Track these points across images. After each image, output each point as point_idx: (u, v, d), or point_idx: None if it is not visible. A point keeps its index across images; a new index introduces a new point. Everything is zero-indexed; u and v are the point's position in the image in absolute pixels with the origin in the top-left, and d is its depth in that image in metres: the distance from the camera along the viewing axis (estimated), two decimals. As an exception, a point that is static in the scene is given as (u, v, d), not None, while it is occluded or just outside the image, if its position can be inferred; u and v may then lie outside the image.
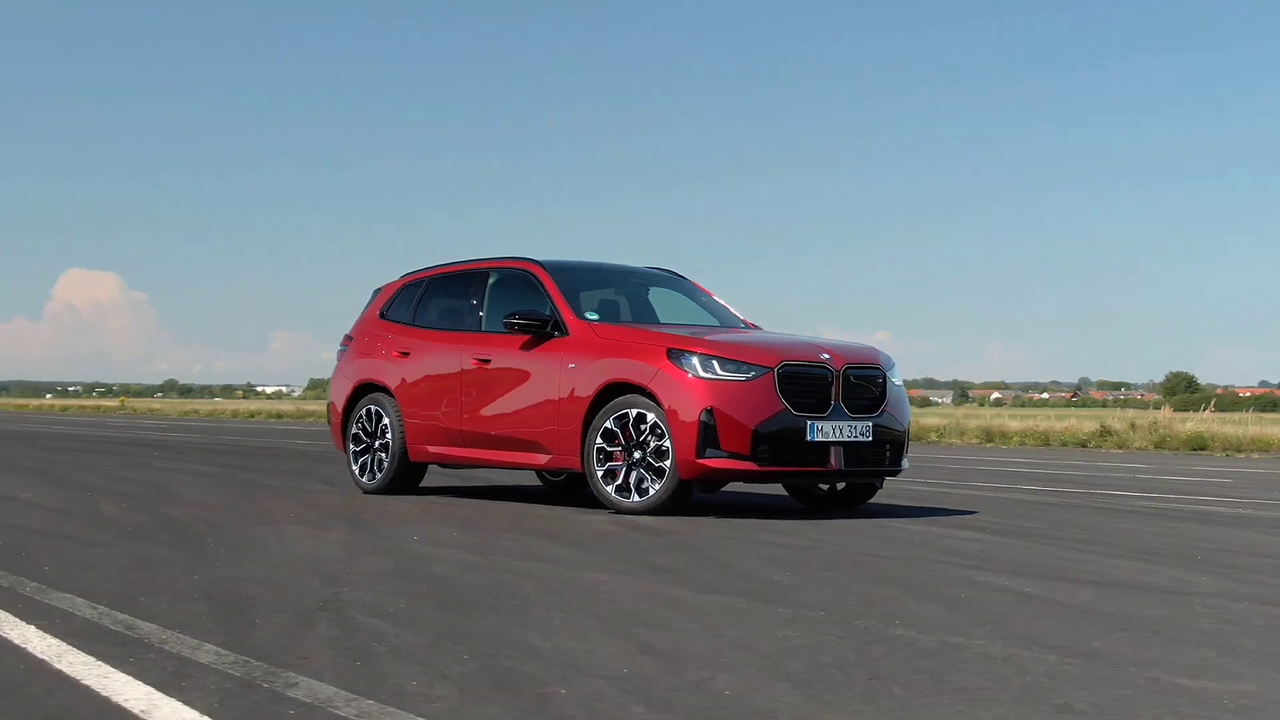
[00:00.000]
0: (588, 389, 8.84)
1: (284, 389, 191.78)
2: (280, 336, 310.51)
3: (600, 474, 8.68)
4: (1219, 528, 8.43)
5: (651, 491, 8.48)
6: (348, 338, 10.97)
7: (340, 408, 10.69)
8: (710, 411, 8.32)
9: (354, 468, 10.47)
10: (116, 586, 5.09)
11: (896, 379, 9.14)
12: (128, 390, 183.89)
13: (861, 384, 8.81)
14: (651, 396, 8.51)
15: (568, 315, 9.25)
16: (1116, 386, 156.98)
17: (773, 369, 8.47)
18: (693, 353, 8.50)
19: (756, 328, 10.22)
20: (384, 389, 10.31)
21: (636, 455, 8.56)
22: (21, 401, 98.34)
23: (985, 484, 12.82)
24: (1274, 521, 9.07)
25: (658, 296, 10.42)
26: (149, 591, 4.97)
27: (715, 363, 8.46)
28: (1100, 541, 7.34)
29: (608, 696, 3.33)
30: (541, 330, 9.28)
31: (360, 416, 10.44)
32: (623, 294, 10.26)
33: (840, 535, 7.45)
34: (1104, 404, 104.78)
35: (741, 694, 3.37)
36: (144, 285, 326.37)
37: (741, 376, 8.43)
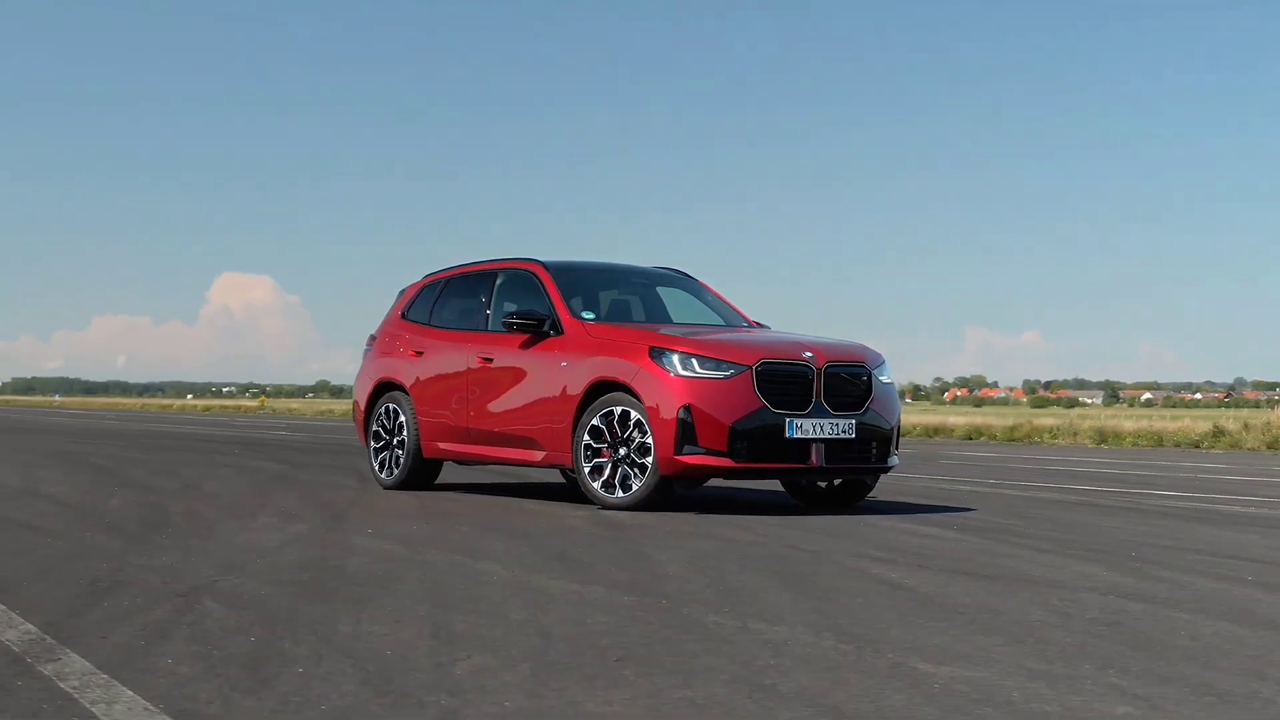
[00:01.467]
0: (578, 387, 9.02)
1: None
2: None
3: (588, 470, 8.85)
4: (1203, 526, 8.33)
5: (634, 487, 8.63)
6: (372, 337, 11.27)
7: (363, 405, 11.01)
8: (688, 409, 8.43)
9: (374, 464, 10.77)
10: (10, 572, 5.38)
11: (885, 377, 9.14)
12: (280, 391, 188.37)
13: (844, 382, 8.83)
14: (635, 394, 8.66)
15: (563, 315, 9.43)
16: (1272, 386, 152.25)
17: (751, 367, 8.55)
18: (673, 351, 8.62)
19: (764, 327, 10.29)
20: (401, 388, 10.60)
21: (621, 452, 8.71)
22: (166, 402, 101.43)
23: (1027, 484, 12.74)
24: (1272, 521, 8.89)
25: (665, 296, 10.55)
26: (39, 577, 5.25)
27: (694, 361, 8.56)
28: (1055, 538, 7.30)
29: (336, 674, 3.49)
30: (538, 329, 9.48)
31: (380, 414, 10.74)
32: (630, 294, 10.43)
33: (794, 531, 7.51)
34: (1257, 404, 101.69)
35: (477, 673, 3.50)
36: (297, 288, 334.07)
37: (720, 374, 8.52)
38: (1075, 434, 29.82)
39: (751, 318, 10.50)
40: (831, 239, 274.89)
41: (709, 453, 8.43)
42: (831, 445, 8.67)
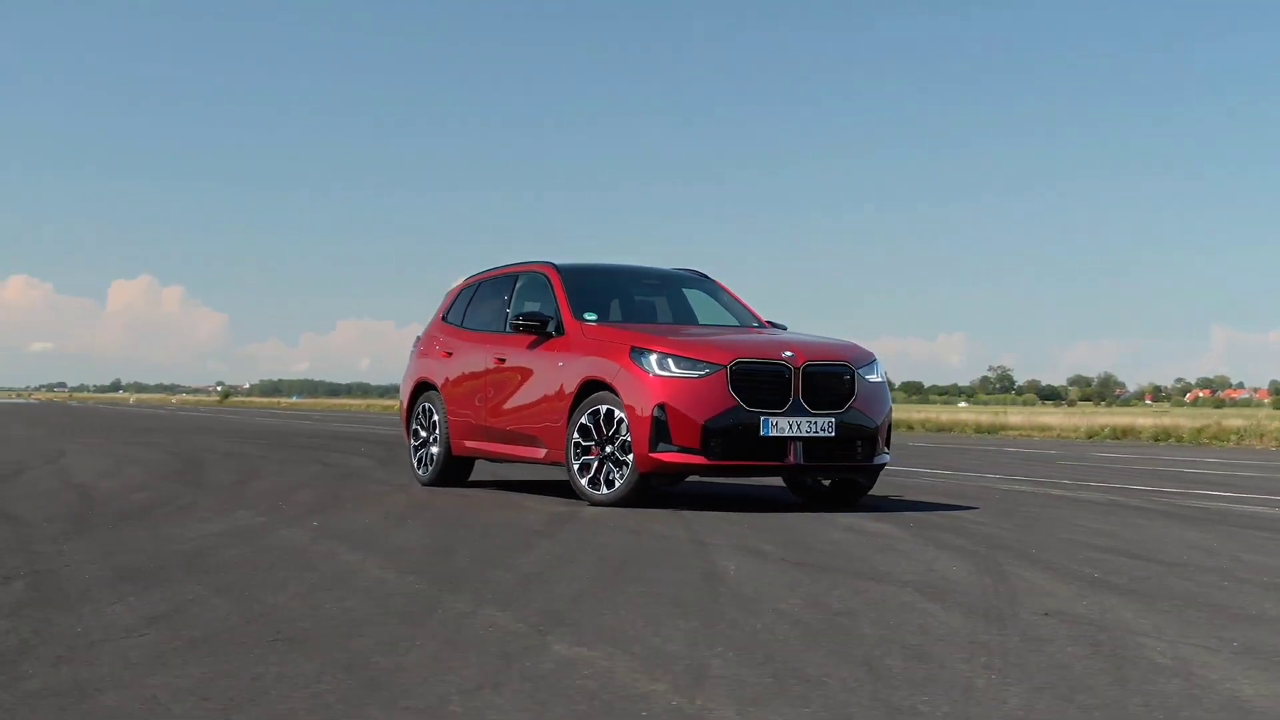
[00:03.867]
0: (571, 386, 9.32)
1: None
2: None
3: (576, 467, 9.12)
4: (1164, 522, 8.21)
5: (617, 484, 8.87)
6: (417, 339, 11.74)
7: (405, 405, 11.49)
8: (662, 407, 8.64)
9: (412, 461, 11.24)
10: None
11: (874, 376, 9.18)
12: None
13: (825, 381, 8.90)
14: (617, 393, 8.91)
15: (566, 316, 9.73)
16: None
17: (725, 366, 8.70)
18: (651, 351, 8.84)
19: (777, 327, 10.40)
20: (435, 388, 11.03)
21: (607, 450, 8.96)
22: (389, 402, 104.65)
23: (1078, 482, 12.54)
24: (1237, 517, 8.69)
25: (681, 297, 10.73)
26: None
27: (670, 360, 8.76)
28: (994, 538, 7.28)
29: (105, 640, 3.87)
30: (542, 330, 9.80)
31: (418, 413, 11.20)
32: (657, 295, 10.66)
33: (737, 527, 7.64)
34: None
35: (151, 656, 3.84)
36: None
37: (695, 374, 8.71)
38: (1261, 436, 29.03)
39: (765, 318, 10.58)
40: (1065, 239, 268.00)
41: (683, 450, 8.61)
42: (811, 443, 8.76)
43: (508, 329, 10.25)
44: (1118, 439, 32.50)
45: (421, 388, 11.25)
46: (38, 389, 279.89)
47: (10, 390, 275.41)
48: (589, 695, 3.29)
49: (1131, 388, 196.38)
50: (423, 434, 11.09)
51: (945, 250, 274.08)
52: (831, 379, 8.92)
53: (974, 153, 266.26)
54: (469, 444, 10.51)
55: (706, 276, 11.14)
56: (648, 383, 8.71)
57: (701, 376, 8.67)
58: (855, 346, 9.35)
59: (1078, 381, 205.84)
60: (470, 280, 11.47)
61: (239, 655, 3.74)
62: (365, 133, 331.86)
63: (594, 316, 9.80)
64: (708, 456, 8.61)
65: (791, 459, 8.73)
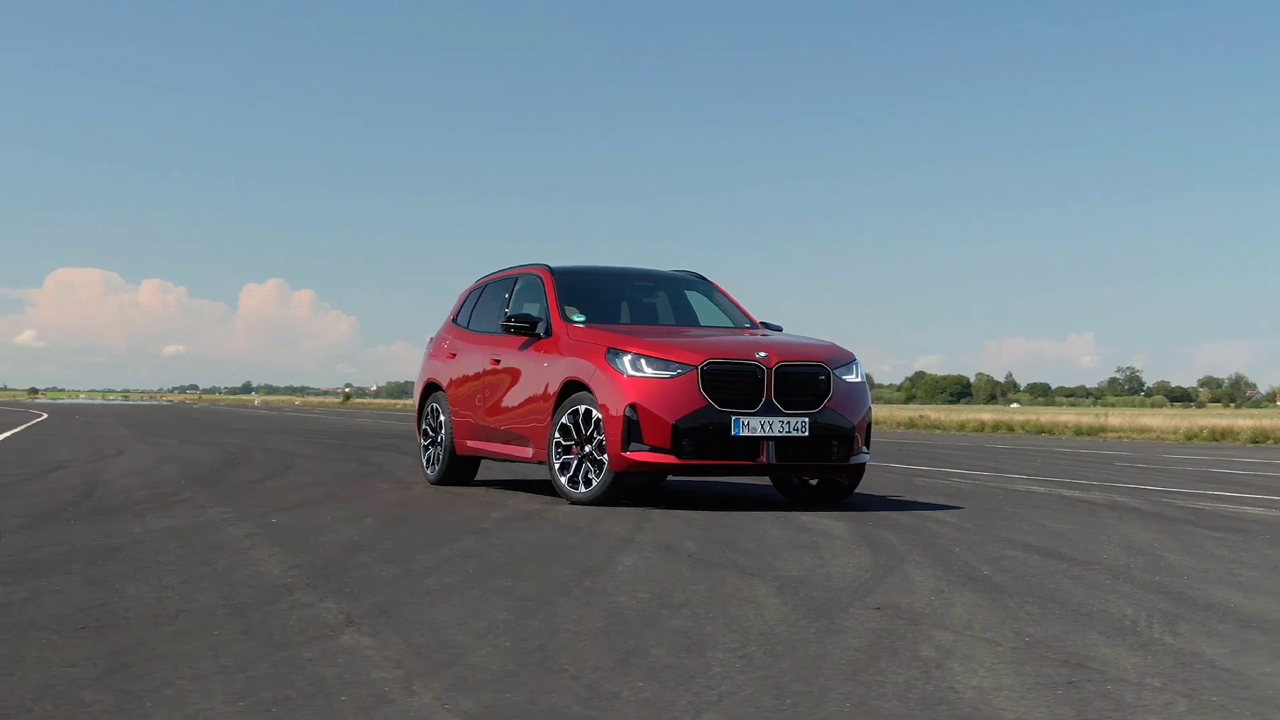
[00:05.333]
0: (554, 387, 9.46)
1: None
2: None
3: (557, 466, 9.26)
4: (1133, 522, 8.15)
5: (593, 482, 8.99)
6: (430, 340, 11.96)
7: (416, 405, 11.71)
8: (634, 407, 8.74)
9: (422, 460, 11.45)
10: None
11: (851, 376, 9.20)
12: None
13: (799, 381, 8.94)
14: (593, 394, 9.03)
15: (554, 318, 9.87)
16: None
17: (696, 367, 8.78)
18: (625, 352, 8.94)
19: (774, 329, 10.44)
20: (441, 388, 11.24)
21: (586, 449, 9.09)
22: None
23: (1114, 483, 12.43)
24: (1216, 517, 8.57)
25: (677, 299, 10.81)
26: None
27: (643, 361, 8.86)
28: (932, 536, 7.30)
29: None
30: (531, 332, 9.96)
31: (427, 413, 11.42)
32: (657, 297, 10.75)
33: (684, 525, 7.72)
34: None
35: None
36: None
37: (666, 374, 8.79)
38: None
39: (758, 319, 10.61)
40: (1199, 238, 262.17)
41: (654, 449, 8.70)
42: (784, 443, 8.80)
43: (499, 330, 10.40)
44: (1215, 441, 32.07)
45: (430, 389, 11.47)
46: (170, 391, 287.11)
47: (144, 392, 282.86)
48: (314, 679, 3.41)
49: (1263, 389, 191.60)
50: (431, 434, 11.28)
51: (1077, 250, 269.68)
52: (805, 379, 8.94)
53: (1107, 152, 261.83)
54: (470, 444, 10.69)
55: (704, 279, 11.20)
56: (621, 383, 8.81)
57: (673, 377, 8.75)
58: (834, 347, 9.37)
59: (1208, 383, 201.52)
60: (479, 283, 11.64)
61: (34, 639, 3.91)
62: (496, 140, 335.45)
63: (581, 318, 9.91)
64: (679, 456, 8.69)
65: (764, 458, 8.78)
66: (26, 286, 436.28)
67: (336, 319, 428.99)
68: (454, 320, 11.63)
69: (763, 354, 8.90)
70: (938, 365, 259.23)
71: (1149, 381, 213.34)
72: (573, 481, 9.10)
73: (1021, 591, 5.24)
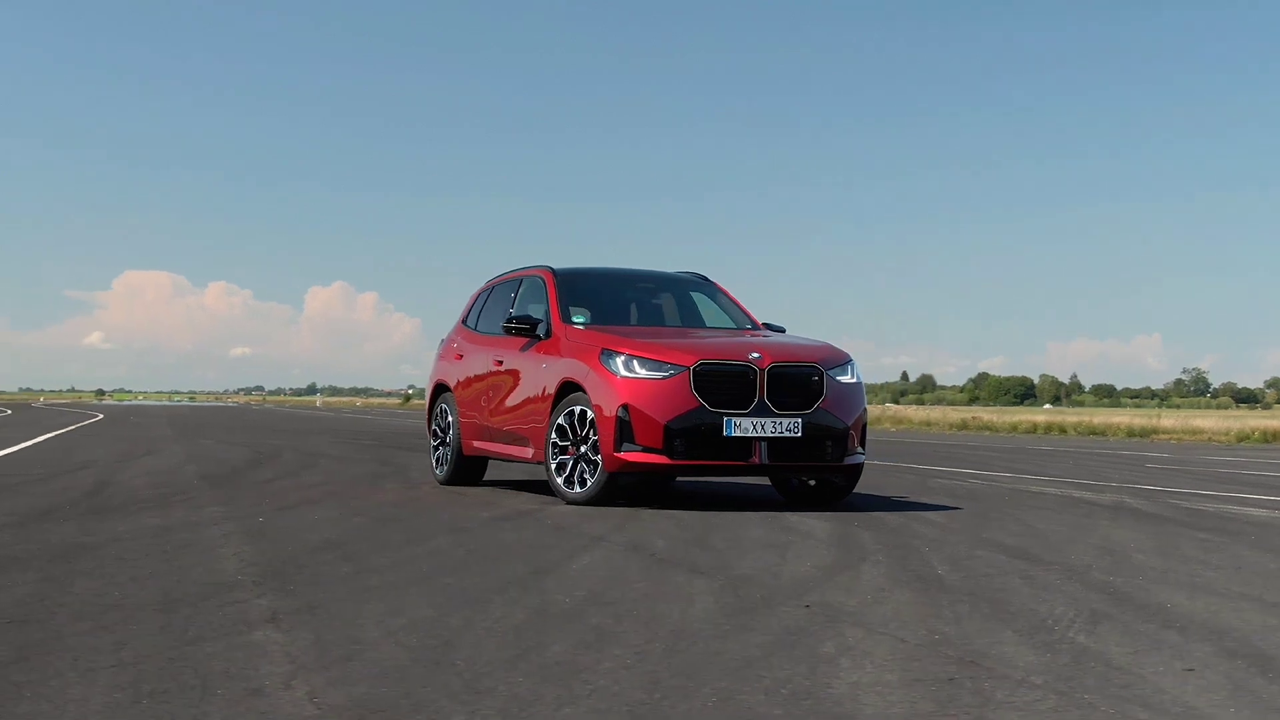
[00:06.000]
0: (552, 388, 9.53)
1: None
2: (841, 344, 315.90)
3: (554, 466, 9.33)
4: (1124, 523, 8.12)
5: (588, 482, 9.05)
6: (441, 341, 12.06)
7: (427, 405, 11.83)
8: (626, 408, 8.80)
9: (431, 460, 11.56)
10: None
11: (846, 377, 9.20)
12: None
13: (791, 381, 8.95)
14: (587, 394, 9.10)
15: (555, 319, 9.95)
16: None
17: (688, 368, 8.81)
18: (618, 353, 9.00)
19: (777, 330, 10.46)
20: (449, 389, 11.34)
21: (581, 449, 9.15)
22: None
23: (1133, 485, 12.38)
24: (1211, 518, 8.51)
25: (679, 301, 10.85)
26: None
27: (635, 362, 8.91)
28: (914, 536, 7.30)
29: None
30: (531, 333, 10.03)
31: (437, 414, 11.52)
32: (643, 299, 10.78)
33: (666, 525, 7.75)
34: None
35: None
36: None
37: (658, 375, 8.84)
38: None
39: (760, 320, 10.63)
40: (1268, 238, 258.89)
41: (646, 450, 8.75)
42: (776, 443, 8.82)
43: (501, 331, 10.49)
44: (1266, 443, 31.74)
45: (439, 389, 11.57)
46: (236, 392, 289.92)
47: (210, 393, 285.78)
48: (202, 674, 3.48)
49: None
50: (440, 434, 11.38)
51: (1144, 250, 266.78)
52: (799, 380, 8.95)
53: (1176, 150, 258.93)
54: (476, 444, 10.78)
55: (707, 280, 11.23)
56: (614, 384, 8.87)
57: (665, 378, 8.79)
58: (829, 348, 9.38)
59: (1275, 384, 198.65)
60: (488, 284, 11.73)
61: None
62: (548, 142, 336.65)
63: (581, 319, 9.97)
64: (670, 456, 8.73)
65: (757, 459, 8.80)
66: (95, 289, 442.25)
67: (400, 321, 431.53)
68: (463, 321, 11.74)
69: (755, 355, 8.92)
70: (1001, 367, 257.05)
71: (1215, 383, 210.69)
72: (568, 482, 9.16)
73: (963, 591, 5.25)
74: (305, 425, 33.83)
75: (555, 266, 10.57)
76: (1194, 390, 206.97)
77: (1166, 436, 35.17)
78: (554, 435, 9.30)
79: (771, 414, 8.80)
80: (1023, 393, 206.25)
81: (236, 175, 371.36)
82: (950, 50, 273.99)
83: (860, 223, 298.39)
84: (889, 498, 10.28)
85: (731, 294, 11.04)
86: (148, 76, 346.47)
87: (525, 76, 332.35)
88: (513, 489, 10.74)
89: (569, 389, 9.33)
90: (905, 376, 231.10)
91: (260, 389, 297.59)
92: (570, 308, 10.11)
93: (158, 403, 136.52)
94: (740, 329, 10.40)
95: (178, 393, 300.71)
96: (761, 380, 8.83)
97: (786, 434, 8.82)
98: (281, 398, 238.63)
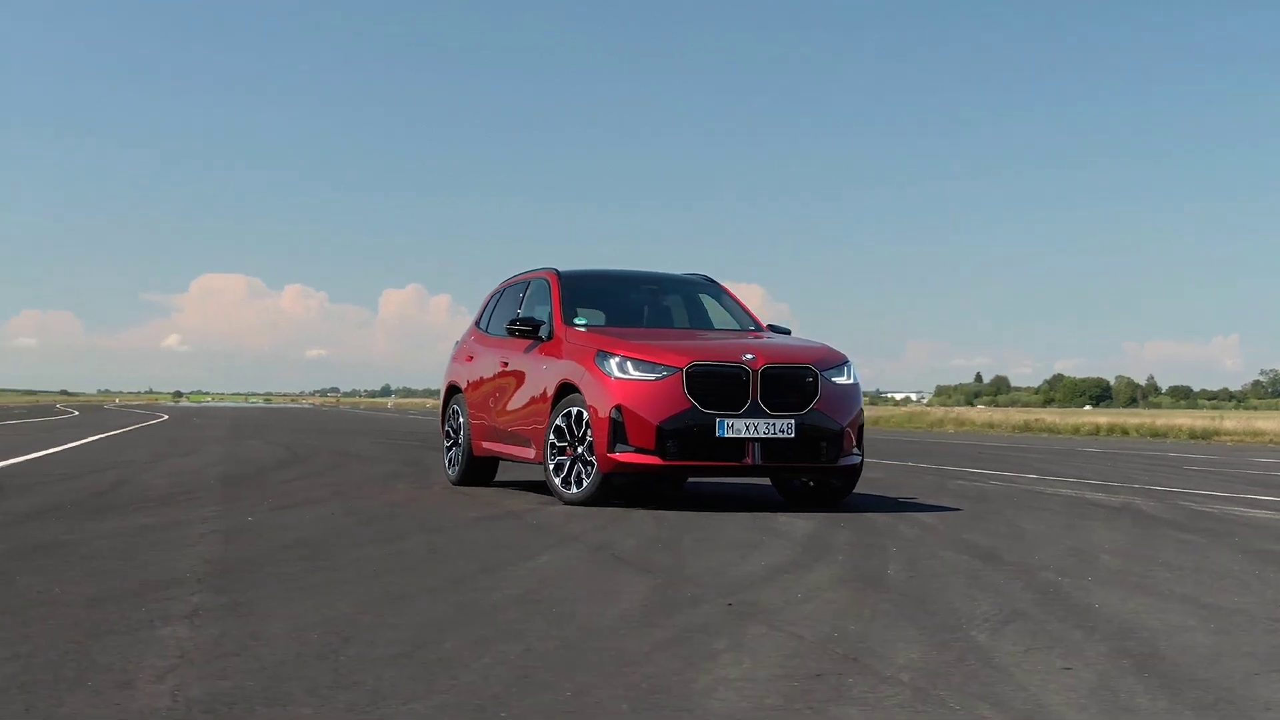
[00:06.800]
0: (551, 389, 9.62)
1: (912, 395, 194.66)
2: (915, 345, 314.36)
3: (552, 467, 9.42)
4: (1119, 525, 8.11)
5: (585, 483, 9.13)
6: (456, 343, 12.19)
7: (441, 407, 11.96)
8: (619, 409, 8.87)
9: (445, 460, 11.69)
10: None
11: (842, 378, 9.21)
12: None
13: (785, 382, 8.98)
14: (583, 396, 9.18)
15: (557, 321, 10.04)
16: None
17: (681, 369, 8.87)
18: (613, 355, 9.08)
19: (783, 332, 10.49)
20: (461, 390, 11.46)
21: (579, 450, 9.23)
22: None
23: (1154, 486, 12.30)
24: (1208, 519, 8.46)
25: (684, 303, 10.91)
26: None
27: (629, 364, 8.99)
28: (892, 537, 7.33)
29: None
30: (534, 335, 10.13)
31: (449, 415, 11.65)
32: (646, 300, 10.84)
33: (645, 526, 7.81)
34: None
35: None
36: (786, 296, 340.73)
37: (651, 376, 8.90)
38: None
39: (764, 322, 10.66)
40: None
41: (639, 451, 8.81)
42: (769, 444, 8.85)
43: (505, 333, 10.59)
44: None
45: (451, 390, 11.69)
46: (311, 394, 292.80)
47: (286, 395, 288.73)
48: (86, 666, 3.58)
49: None
50: (452, 435, 11.50)
51: (1223, 250, 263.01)
52: (792, 381, 8.98)
53: (1253, 148, 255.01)
54: (485, 445, 10.89)
55: (712, 281, 11.27)
56: (608, 385, 8.94)
57: (658, 379, 8.85)
58: (825, 349, 9.39)
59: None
60: (500, 286, 11.84)
61: None
62: (630, 144, 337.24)
63: (583, 321, 10.03)
64: (663, 457, 8.78)
65: (750, 459, 8.83)
66: (172, 292, 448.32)
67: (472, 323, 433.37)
68: (476, 323, 11.85)
69: (749, 356, 8.96)
70: (1077, 368, 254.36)
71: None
72: (565, 482, 9.24)
73: (899, 590, 5.27)
74: (361, 426, 34.17)
75: (561, 269, 10.65)
76: (1272, 391, 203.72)
77: (1227, 439, 34.74)
78: (552, 436, 9.37)
79: (765, 415, 8.83)
80: (1098, 394, 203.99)
81: (311, 179, 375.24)
82: (1024, 46, 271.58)
83: (933, 223, 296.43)
84: (895, 499, 10.28)
85: (736, 296, 11.05)
86: (225, 81, 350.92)
87: (608, 80, 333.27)
88: (520, 489, 10.82)
89: (566, 390, 9.41)
90: (979, 378, 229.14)
91: (335, 390, 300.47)
92: (578, 309, 10.18)
93: (232, 404, 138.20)
94: (744, 330, 10.42)
95: (254, 394, 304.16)
96: (755, 381, 8.86)
97: (780, 435, 8.84)
98: (356, 399, 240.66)
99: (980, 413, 56.35)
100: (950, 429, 45.04)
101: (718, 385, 8.85)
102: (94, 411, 57.21)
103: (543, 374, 9.75)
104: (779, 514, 8.70)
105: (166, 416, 45.22)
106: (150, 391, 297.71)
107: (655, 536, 7.18)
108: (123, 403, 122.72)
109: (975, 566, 6.07)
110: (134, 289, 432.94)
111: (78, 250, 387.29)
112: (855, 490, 10.48)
